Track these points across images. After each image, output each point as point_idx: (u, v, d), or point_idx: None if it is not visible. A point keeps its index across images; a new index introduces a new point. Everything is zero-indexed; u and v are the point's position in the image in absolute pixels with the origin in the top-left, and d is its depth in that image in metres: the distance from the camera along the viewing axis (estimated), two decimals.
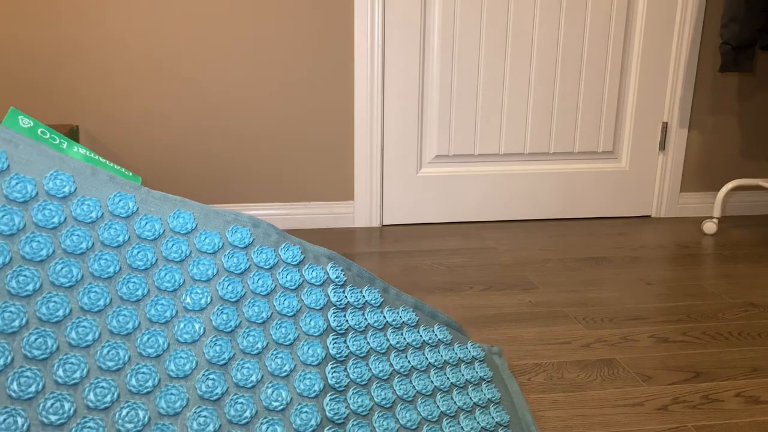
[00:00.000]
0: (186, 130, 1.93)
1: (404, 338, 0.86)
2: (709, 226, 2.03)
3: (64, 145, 0.66)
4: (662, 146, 2.16)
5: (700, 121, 2.16)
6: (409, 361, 0.83)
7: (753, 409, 1.07)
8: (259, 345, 0.68)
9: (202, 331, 0.65)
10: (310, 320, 0.74)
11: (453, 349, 0.92)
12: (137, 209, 0.66)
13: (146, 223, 0.67)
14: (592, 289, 1.58)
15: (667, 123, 2.14)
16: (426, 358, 0.87)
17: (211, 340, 0.65)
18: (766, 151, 2.23)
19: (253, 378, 0.66)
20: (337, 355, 0.74)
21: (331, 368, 0.72)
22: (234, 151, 1.96)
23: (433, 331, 0.92)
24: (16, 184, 0.60)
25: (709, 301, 1.51)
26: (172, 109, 1.91)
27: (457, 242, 1.93)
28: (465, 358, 0.92)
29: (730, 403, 1.08)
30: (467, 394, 0.86)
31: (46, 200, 0.61)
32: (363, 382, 0.74)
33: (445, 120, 2.03)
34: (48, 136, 0.66)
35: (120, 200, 0.65)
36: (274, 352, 0.68)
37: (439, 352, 0.90)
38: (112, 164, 0.70)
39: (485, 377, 0.91)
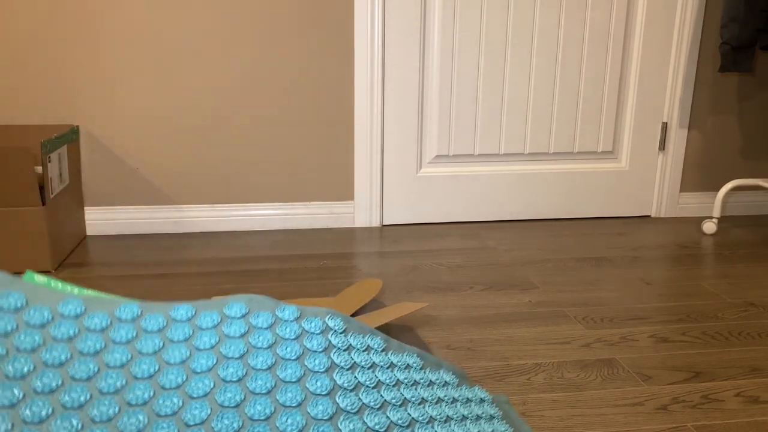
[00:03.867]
0: (186, 130, 1.93)
1: (411, 377, 0.89)
2: (709, 226, 2.03)
3: (75, 291, 0.83)
4: (662, 146, 2.16)
5: (700, 121, 2.16)
6: (419, 394, 0.86)
7: (752, 409, 1.07)
8: (267, 411, 0.73)
9: (208, 411, 0.72)
10: (316, 381, 0.79)
11: (461, 390, 0.96)
12: (141, 312, 0.83)
13: (150, 319, 0.82)
14: (592, 289, 1.58)
15: (666, 123, 2.14)
16: (435, 393, 0.89)
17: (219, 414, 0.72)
18: (766, 151, 2.23)
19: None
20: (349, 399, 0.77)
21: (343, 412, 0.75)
22: (234, 151, 1.97)
23: (440, 374, 0.97)
24: (35, 313, 0.77)
25: (709, 301, 1.51)
26: (172, 109, 1.91)
27: (457, 242, 1.93)
28: (473, 398, 0.94)
29: (730, 403, 1.08)
30: (480, 425, 0.88)
31: (61, 321, 0.78)
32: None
33: (445, 120, 2.03)
34: (60, 286, 0.85)
35: (125, 307, 0.82)
36: (285, 412, 0.74)
37: (447, 390, 0.94)
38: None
39: (495, 415, 0.93)
